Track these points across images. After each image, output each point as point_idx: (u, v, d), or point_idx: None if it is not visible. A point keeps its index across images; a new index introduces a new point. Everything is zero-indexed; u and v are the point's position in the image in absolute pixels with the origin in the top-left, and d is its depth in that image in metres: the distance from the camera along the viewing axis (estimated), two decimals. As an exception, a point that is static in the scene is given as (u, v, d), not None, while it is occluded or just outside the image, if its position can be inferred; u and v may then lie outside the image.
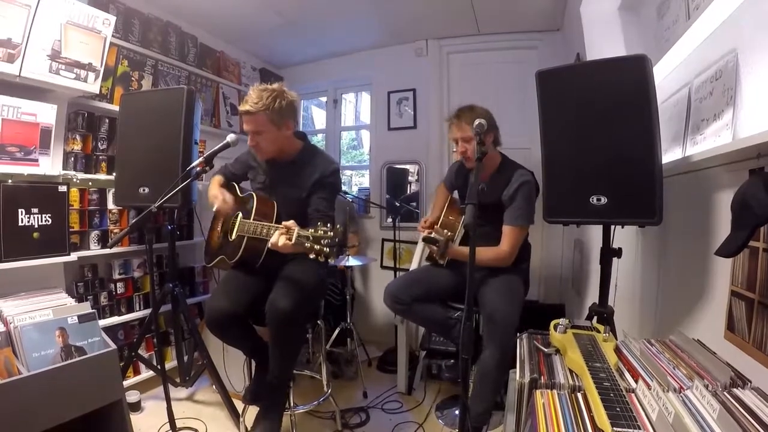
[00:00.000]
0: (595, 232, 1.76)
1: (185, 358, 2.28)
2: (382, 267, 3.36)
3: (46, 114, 1.84)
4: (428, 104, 3.24)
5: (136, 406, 2.16)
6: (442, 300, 2.00)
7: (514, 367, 1.10)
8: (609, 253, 1.43)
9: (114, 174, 2.14)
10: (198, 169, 1.64)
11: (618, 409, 0.74)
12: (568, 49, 2.66)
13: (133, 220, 1.72)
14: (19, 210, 1.74)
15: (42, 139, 1.84)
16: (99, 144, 2.22)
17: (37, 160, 1.84)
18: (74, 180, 2.08)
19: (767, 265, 0.88)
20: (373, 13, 2.83)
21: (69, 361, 1.43)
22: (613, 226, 1.41)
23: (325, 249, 1.34)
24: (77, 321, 1.52)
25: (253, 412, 1.79)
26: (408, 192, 3.54)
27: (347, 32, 3.16)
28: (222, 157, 1.70)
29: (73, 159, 2.10)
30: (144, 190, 1.97)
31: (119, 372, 1.63)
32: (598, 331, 1.14)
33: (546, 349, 1.13)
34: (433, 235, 1.83)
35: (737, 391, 0.77)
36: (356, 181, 4.31)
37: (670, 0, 1.53)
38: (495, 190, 1.85)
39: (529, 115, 2.26)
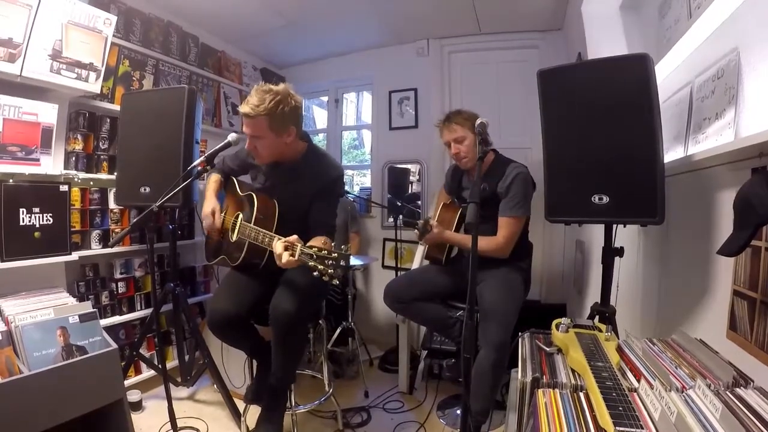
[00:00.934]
0: (597, 231, 1.76)
1: (186, 357, 2.28)
2: (384, 267, 3.36)
3: (47, 114, 1.84)
4: (429, 104, 3.24)
5: (137, 406, 2.16)
6: (442, 299, 2.00)
7: (515, 366, 1.10)
8: (611, 253, 1.43)
9: (115, 173, 2.14)
10: (199, 168, 1.64)
11: (620, 408, 0.74)
12: (569, 48, 2.66)
13: (135, 220, 1.71)
14: (21, 209, 1.74)
15: (43, 138, 1.84)
16: (100, 144, 2.22)
17: (38, 160, 1.84)
18: (75, 180, 2.09)
19: (770, 264, 0.87)
20: (374, 13, 2.83)
21: (70, 361, 1.43)
22: (614, 226, 1.41)
23: (329, 270, 1.29)
24: (78, 320, 1.52)
25: (254, 411, 1.79)
26: (409, 191, 3.54)
27: (348, 32, 3.16)
28: (223, 155, 1.70)
29: (74, 159, 2.10)
30: (145, 189, 1.97)
31: (120, 371, 1.63)
32: (600, 331, 1.14)
33: (548, 349, 1.12)
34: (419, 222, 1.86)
35: (740, 391, 0.77)
36: (357, 180, 4.31)
37: (672, -1, 1.53)
38: (490, 185, 1.86)
39: (531, 115, 2.27)
